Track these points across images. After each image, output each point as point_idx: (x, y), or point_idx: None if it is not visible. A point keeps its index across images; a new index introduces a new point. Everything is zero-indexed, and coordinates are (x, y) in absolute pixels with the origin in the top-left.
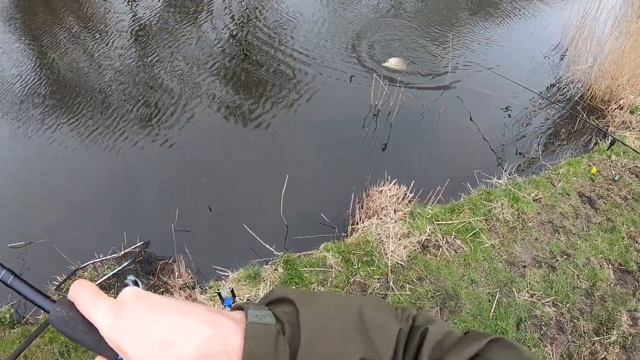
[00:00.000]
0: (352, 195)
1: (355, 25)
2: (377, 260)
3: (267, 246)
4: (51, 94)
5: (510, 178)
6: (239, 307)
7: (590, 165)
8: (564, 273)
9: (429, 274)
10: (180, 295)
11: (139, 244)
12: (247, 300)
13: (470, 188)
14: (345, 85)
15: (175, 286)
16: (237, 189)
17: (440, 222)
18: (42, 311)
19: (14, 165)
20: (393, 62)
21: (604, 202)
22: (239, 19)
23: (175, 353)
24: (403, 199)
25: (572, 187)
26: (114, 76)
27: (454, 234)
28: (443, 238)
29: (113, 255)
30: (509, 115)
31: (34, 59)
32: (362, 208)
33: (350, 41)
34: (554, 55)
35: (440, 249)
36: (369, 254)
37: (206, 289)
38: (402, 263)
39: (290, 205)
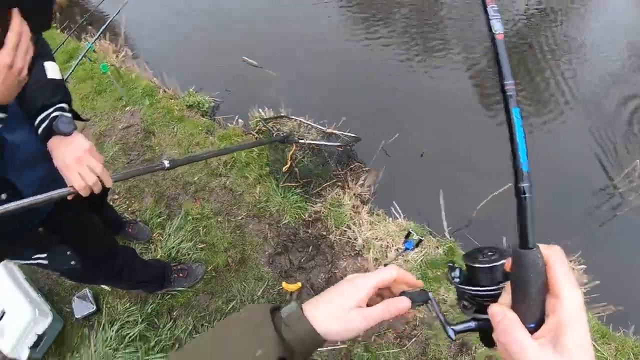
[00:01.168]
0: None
1: None
2: None
3: (445, 223)
4: None
5: None
6: None
7: None
8: None
9: None
10: (349, 200)
11: (351, 134)
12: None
13: (633, 332)
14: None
15: (351, 189)
16: (462, 156)
17: None
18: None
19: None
20: None
21: None
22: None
23: None
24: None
25: None
26: None
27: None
28: None
29: (321, 127)
30: None
31: None
32: None
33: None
34: None
35: None
36: None
37: (373, 213)
38: None
39: (488, 208)
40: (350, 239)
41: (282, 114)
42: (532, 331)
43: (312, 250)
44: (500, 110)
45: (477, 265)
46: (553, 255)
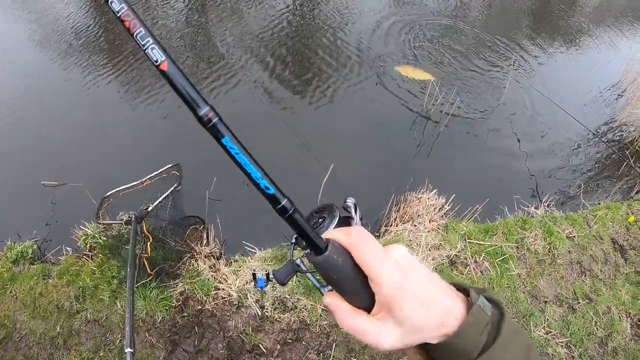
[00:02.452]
0: (392, 197)
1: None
2: None
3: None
4: (106, 40)
5: (548, 210)
6: (460, 287)
7: (628, 214)
8: (583, 317)
9: None
10: (204, 264)
11: (167, 166)
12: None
13: (507, 213)
14: (399, 85)
15: (201, 253)
16: (279, 167)
17: (472, 241)
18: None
19: (66, 108)
20: (407, 70)
21: (635, 254)
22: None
23: (430, 315)
24: (440, 210)
25: (606, 232)
26: (168, 32)
27: (483, 255)
28: (472, 257)
29: (140, 181)
30: (556, 144)
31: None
32: (398, 211)
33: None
34: (611, 92)
35: (468, 267)
36: None
37: (231, 261)
38: None
39: (328, 193)
40: (224, 297)
41: (105, 195)
42: (368, 309)
43: (198, 329)
44: (288, 100)
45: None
46: (352, 244)
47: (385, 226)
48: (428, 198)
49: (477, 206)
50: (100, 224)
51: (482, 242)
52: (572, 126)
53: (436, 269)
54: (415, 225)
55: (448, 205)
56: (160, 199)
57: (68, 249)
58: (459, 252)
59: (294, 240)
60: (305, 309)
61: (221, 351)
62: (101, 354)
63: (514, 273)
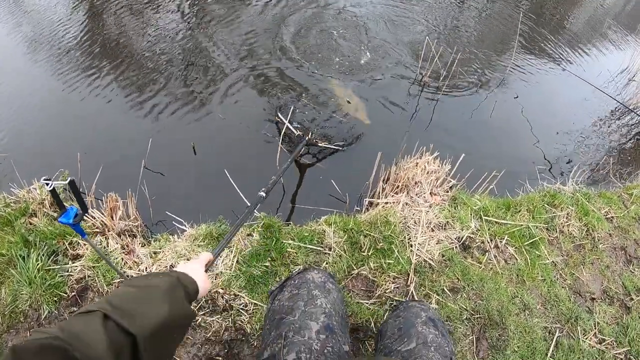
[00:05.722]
0: (377, 157)
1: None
2: (398, 251)
3: (247, 202)
4: (88, 40)
5: (578, 187)
6: None
7: None
8: None
9: (468, 286)
10: (116, 243)
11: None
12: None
13: (530, 187)
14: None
15: (113, 229)
16: (238, 135)
17: (491, 219)
18: None
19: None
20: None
21: None
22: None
23: None
24: (444, 182)
25: None
26: (158, 44)
27: (506, 237)
28: (492, 241)
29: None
30: (577, 121)
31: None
32: (387, 179)
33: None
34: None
35: (487, 254)
36: (387, 240)
37: (150, 241)
38: (431, 263)
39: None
40: None
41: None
42: None
43: None
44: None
45: None
46: None
47: (369, 197)
48: (427, 162)
49: (495, 172)
50: (279, 118)
51: (503, 221)
52: (590, 104)
53: (443, 255)
54: (411, 197)
55: (453, 179)
56: (327, 145)
57: None
58: (473, 233)
59: None
60: (246, 311)
61: None
62: None
63: (548, 262)
